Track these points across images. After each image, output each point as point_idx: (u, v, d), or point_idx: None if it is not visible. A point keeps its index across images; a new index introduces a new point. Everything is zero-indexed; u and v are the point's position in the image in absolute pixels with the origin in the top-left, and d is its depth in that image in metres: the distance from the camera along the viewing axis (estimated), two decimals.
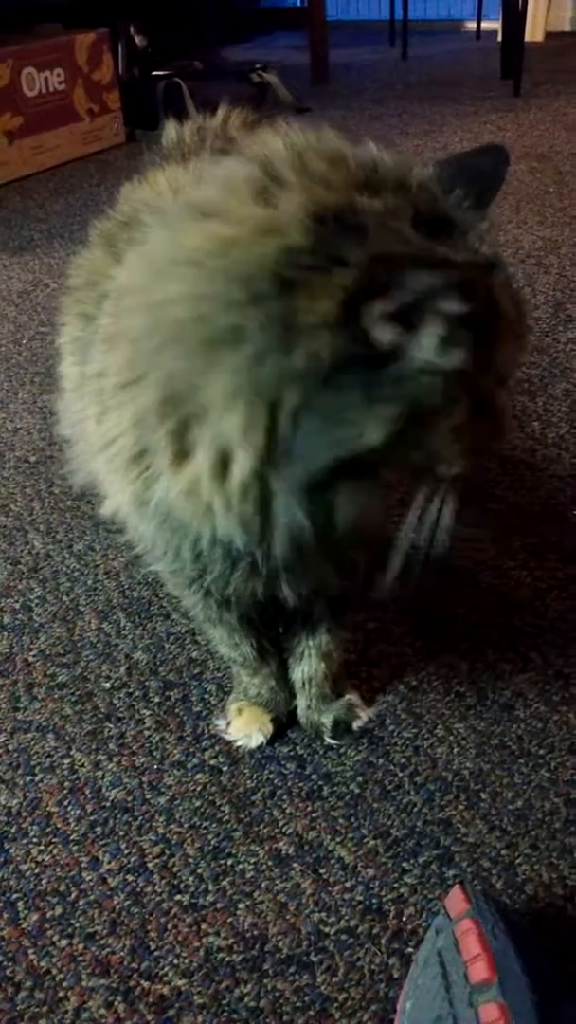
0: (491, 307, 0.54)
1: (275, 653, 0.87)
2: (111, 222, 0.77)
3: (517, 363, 0.59)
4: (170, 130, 0.92)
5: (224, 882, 0.75)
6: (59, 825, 0.81)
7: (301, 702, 0.88)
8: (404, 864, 0.76)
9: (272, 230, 0.51)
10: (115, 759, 0.86)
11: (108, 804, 0.82)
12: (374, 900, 0.73)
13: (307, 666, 0.86)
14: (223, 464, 0.54)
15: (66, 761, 0.87)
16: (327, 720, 0.87)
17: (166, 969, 0.69)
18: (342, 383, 0.51)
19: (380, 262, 0.48)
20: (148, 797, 0.83)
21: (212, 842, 0.78)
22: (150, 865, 0.77)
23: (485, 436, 0.57)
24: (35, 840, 0.79)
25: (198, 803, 0.82)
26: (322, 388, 0.51)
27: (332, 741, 0.87)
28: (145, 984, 0.69)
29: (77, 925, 0.73)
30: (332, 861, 0.76)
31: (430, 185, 0.55)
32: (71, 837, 0.80)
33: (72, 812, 0.82)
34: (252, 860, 0.77)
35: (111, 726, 0.90)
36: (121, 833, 0.80)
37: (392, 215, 0.51)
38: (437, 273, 0.49)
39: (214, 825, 0.80)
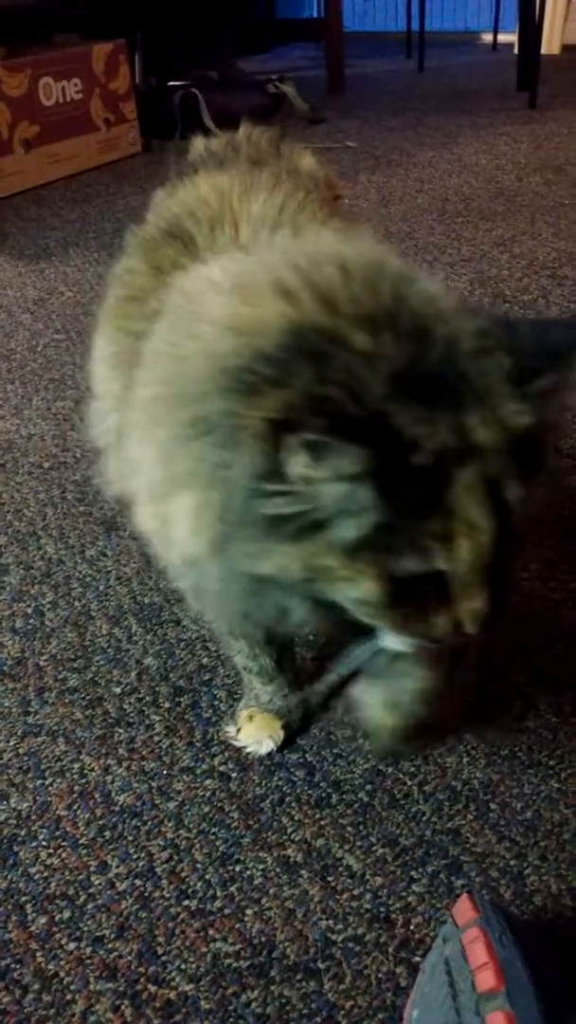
0: (438, 494, 0.48)
1: (292, 661, 0.87)
2: (151, 228, 0.78)
3: (480, 561, 0.50)
4: (198, 143, 0.96)
5: (232, 888, 0.75)
6: (68, 829, 0.81)
7: None
8: (412, 873, 0.76)
9: (250, 331, 0.51)
10: (124, 764, 0.87)
11: (117, 809, 0.82)
12: (382, 908, 0.73)
13: None
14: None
15: (76, 765, 0.87)
16: None
17: (173, 974, 0.69)
18: (264, 503, 0.49)
19: (309, 397, 0.47)
20: (157, 802, 0.83)
21: (220, 848, 0.78)
22: (158, 870, 0.77)
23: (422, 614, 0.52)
24: (44, 844, 0.80)
25: (207, 809, 0.82)
26: (248, 500, 0.49)
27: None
28: (152, 988, 0.69)
29: (85, 929, 0.73)
30: (340, 869, 0.76)
31: (456, 342, 0.51)
32: (80, 841, 0.80)
33: (81, 816, 0.82)
34: (260, 867, 0.77)
35: (121, 731, 0.90)
36: (130, 838, 0.80)
37: (371, 357, 0.48)
38: (347, 426, 0.46)
39: (223, 831, 0.80)
